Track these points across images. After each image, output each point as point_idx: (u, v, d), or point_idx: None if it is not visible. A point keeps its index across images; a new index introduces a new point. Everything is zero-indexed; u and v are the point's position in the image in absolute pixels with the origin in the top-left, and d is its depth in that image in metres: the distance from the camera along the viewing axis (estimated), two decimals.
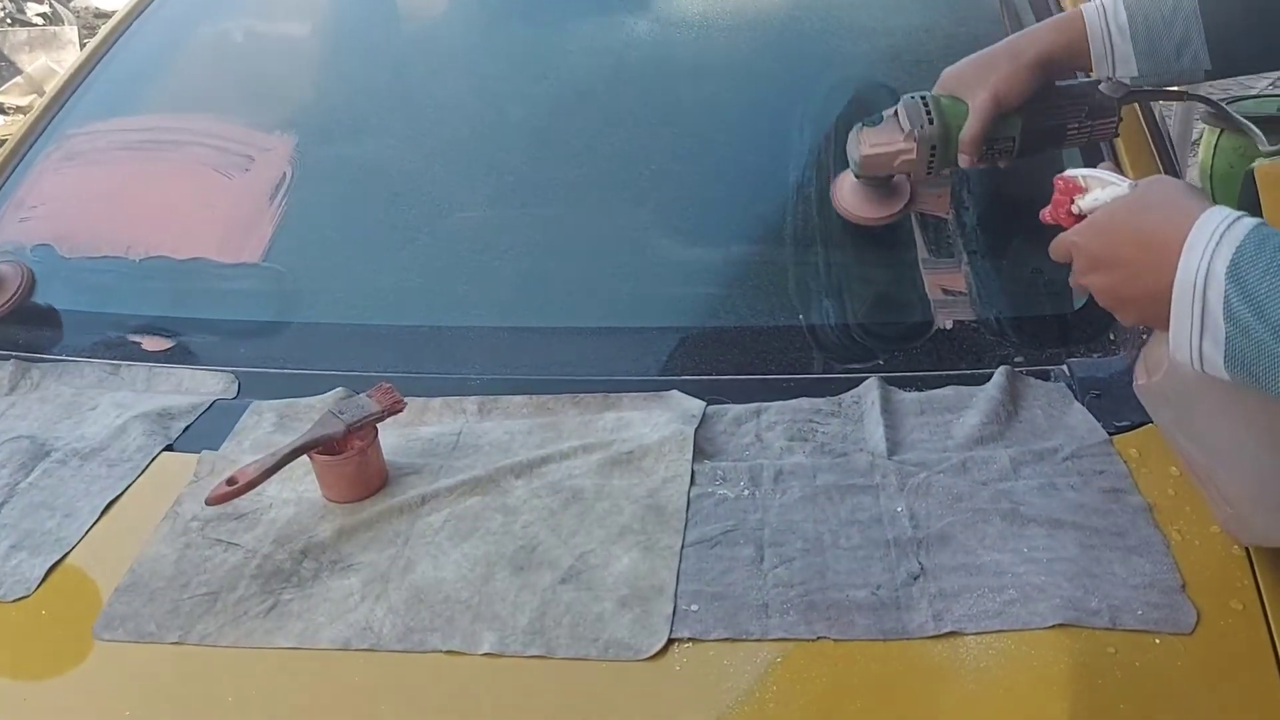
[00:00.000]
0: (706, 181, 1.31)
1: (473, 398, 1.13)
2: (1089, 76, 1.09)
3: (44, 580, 0.93)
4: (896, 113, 1.11)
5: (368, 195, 1.37)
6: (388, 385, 1.04)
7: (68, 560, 0.96)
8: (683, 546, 0.91)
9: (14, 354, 1.25)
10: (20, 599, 0.92)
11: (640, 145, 1.35)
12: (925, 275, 1.18)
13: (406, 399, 1.07)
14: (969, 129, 1.06)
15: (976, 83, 1.05)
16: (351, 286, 1.29)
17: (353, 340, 1.23)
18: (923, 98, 1.09)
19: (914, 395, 1.08)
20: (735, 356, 1.15)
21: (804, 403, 1.07)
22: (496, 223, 1.31)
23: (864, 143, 1.13)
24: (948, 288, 1.18)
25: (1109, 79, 1.06)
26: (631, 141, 1.36)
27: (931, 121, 1.08)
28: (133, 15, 1.65)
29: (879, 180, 1.17)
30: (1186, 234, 0.69)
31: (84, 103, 1.53)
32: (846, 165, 1.17)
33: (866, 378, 1.09)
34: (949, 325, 1.15)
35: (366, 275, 1.30)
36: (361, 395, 1.03)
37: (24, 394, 1.20)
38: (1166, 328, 0.71)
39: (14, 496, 1.03)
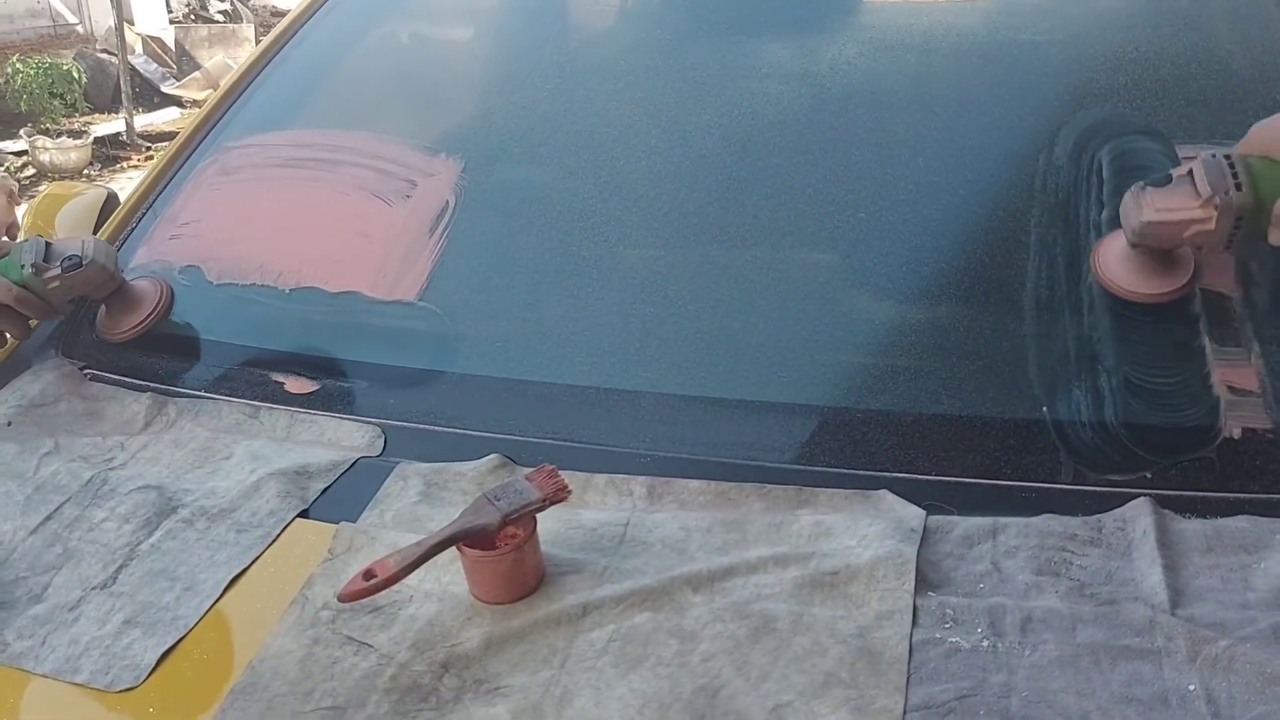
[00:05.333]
0: (928, 234, 1.11)
1: (642, 478, 0.97)
2: None
3: (155, 668, 0.82)
4: (1191, 173, 0.91)
5: (535, 232, 1.23)
6: (550, 468, 0.89)
7: (184, 644, 0.84)
8: (905, 711, 0.72)
9: (151, 385, 1.16)
10: (127, 690, 0.81)
11: (848, 187, 1.16)
12: (1210, 366, 0.96)
13: (567, 471, 0.92)
14: None
15: None
16: (512, 334, 1.15)
17: (510, 398, 1.09)
18: (1227, 157, 0.90)
19: (1197, 525, 0.86)
20: (960, 454, 0.96)
21: (1052, 522, 0.87)
22: (677, 272, 1.15)
23: (1147, 207, 0.93)
24: (1236, 385, 0.95)
25: None
26: (838, 182, 1.17)
27: (1239, 187, 0.88)
28: (298, 23, 1.56)
29: (1157, 250, 0.97)
30: None
31: (243, 114, 1.45)
32: (1108, 228, 0.96)
33: (1133, 496, 0.88)
34: (1237, 434, 0.93)
35: (529, 323, 1.15)
36: (519, 477, 0.89)
37: (157, 433, 1.10)
38: None
39: (134, 559, 0.93)
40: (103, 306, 1.24)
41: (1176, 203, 0.91)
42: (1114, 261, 1.00)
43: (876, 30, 1.39)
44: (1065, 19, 1.32)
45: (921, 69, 1.30)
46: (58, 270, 1.15)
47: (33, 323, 1.21)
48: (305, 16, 1.58)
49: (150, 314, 1.23)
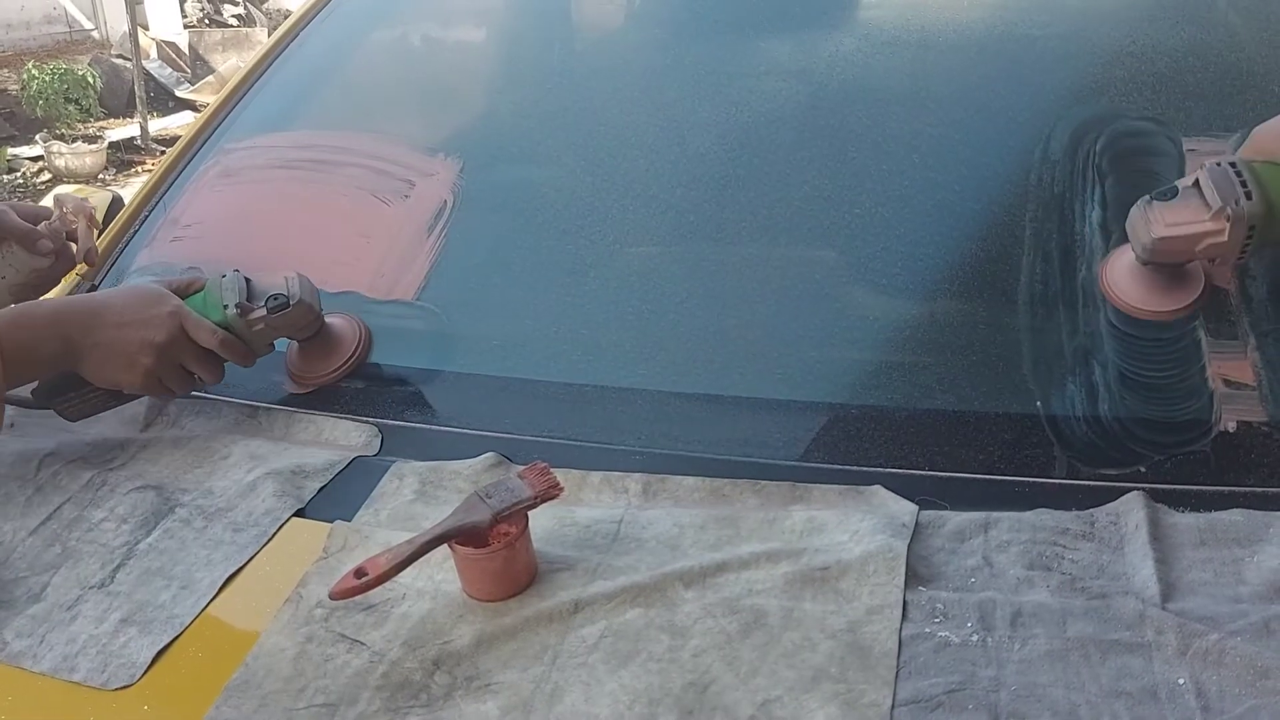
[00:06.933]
0: (924, 230, 1.11)
1: (637, 475, 0.97)
2: None
3: (150, 666, 0.83)
4: (1197, 184, 0.90)
5: (532, 232, 1.23)
6: (543, 465, 0.89)
7: (179, 642, 0.85)
8: (894, 705, 0.72)
9: None
10: (123, 688, 0.81)
11: (845, 185, 1.16)
12: (1205, 360, 0.96)
13: (562, 469, 0.93)
14: None
15: None
16: (508, 334, 1.16)
17: (506, 396, 1.09)
18: (1232, 165, 0.88)
19: (1190, 519, 0.86)
20: (954, 449, 0.96)
21: (1044, 517, 0.87)
22: (672, 270, 1.15)
23: (1156, 222, 0.91)
24: (1231, 378, 0.94)
25: None
26: (834, 180, 1.17)
27: (1249, 195, 0.87)
28: (298, 26, 1.57)
29: (1167, 265, 0.96)
30: None
31: (244, 117, 1.46)
32: (1108, 233, 0.97)
33: (1126, 490, 0.88)
34: (1232, 427, 0.92)
35: (525, 322, 1.16)
36: (512, 475, 0.89)
37: (158, 433, 1.11)
38: None
39: (132, 558, 0.93)
40: (294, 347, 1.14)
41: (1187, 216, 0.90)
42: (1123, 278, 0.98)
43: (874, 26, 1.39)
44: (1062, 13, 1.32)
45: (919, 65, 1.30)
46: (263, 311, 1.07)
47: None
48: (305, 20, 1.59)
49: (350, 357, 1.13)
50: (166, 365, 1.06)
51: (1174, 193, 0.92)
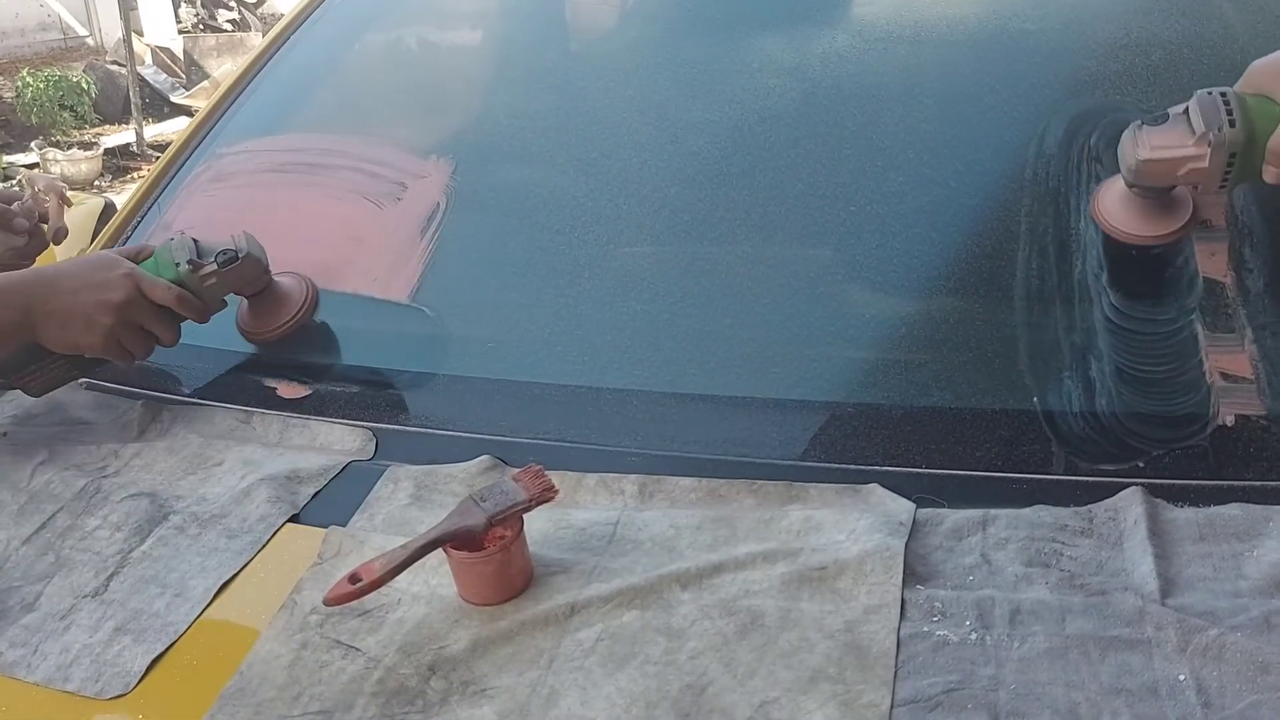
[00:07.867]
0: (917, 227, 1.11)
1: (633, 476, 0.97)
2: None
3: (145, 675, 0.82)
4: (1187, 111, 0.92)
5: (525, 233, 1.23)
6: (537, 467, 0.89)
7: (173, 650, 0.84)
8: (892, 705, 0.72)
9: (145, 392, 1.17)
10: (117, 697, 0.81)
11: (839, 182, 1.16)
12: (1202, 354, 0.95)
13: (558, 471, 0.92)
14: None
15: None
16: (502, 336, 1.15)
17: (501, 399, 1.08)
18: (1223, 94, 0.91)
19: (1189, 514, 0.85)
20: (951, 446, 0.95)
21: (1043, 513, 0.87)
22: (666, 270, 1.15)
23: (1143, 145, 0.93)
24: (1228, 372, 0.94)
25: None
26: (828, 177, 1.16)
27: (1233, 124, 0.89)
28: (288, 30, 1.57)
29: (1154, 191, 0.97)
30: None
31: (236, 121, 1.46)
32: (1102, 176, 1.00)
33: (1124, 485, 0.87)
34: (1230, 421, 0.92)
35: (520, 324, 1.16)
36: (507, 478, 0.88)
37: (151, 440, 1.10)
38: None
39: (126, 566, 0.93)
40: (244, 304, 1.18)
41: (1171, 140, 0.92)
42: (1113, 204, 1.00)
43: (868, 23, 1.38)
44: (1056, 7, 1.31)
45: (914, 61, 1.29)
46: (214, 266, 1.10)
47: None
48: (295, 24, 1.59)
49: (298, 311, 1.17)
50: (125, 325, 1.08)
51: (1165, 118, 0.94)
